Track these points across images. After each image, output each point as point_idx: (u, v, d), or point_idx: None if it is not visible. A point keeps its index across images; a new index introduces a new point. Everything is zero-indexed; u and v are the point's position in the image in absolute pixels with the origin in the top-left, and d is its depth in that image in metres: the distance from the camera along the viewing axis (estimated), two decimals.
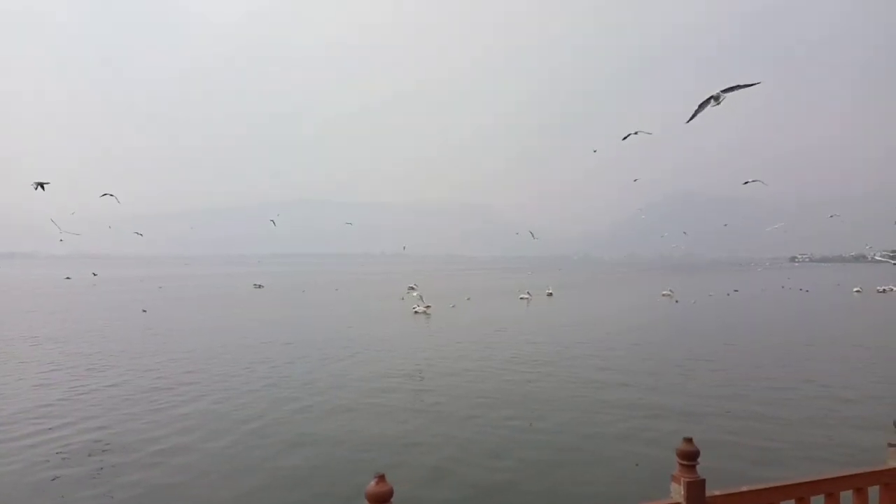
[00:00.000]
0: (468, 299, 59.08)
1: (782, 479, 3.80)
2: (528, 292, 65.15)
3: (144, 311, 46.89)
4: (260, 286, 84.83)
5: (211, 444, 12.96)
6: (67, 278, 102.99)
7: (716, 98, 9.17)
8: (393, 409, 15.84)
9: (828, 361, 23.47)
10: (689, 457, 3.50)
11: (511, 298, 61.99)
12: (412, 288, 76.99)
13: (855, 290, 76.13)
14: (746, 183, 37.26)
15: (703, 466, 3.72)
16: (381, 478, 3.26)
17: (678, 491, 3.33)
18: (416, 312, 45.29)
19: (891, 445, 4.07)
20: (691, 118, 9.24)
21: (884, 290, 75.20)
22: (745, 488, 3.67)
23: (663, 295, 63.87)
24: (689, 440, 3.55)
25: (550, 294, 67.86)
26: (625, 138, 26.72)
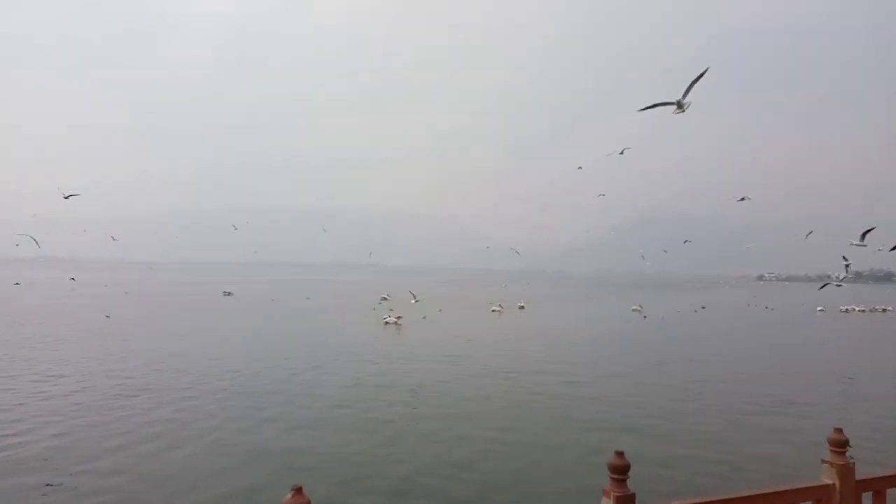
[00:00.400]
0: (440, 311, 58.85)
1: (714, 493, 3.73)
2: (500, 305, 65.12)
3: (108, 316, 45.80)
4: (229, 293, 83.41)
5: (167, 456, 12.64)
6: (17, 284, 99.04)
7: (679, 105, 8.77)
8: (356, 421, 15.63)
9: (779, 378, 23.95)
10: (620, 470, 3.40)
11: (483, 310, 61.95)
12: (385, 298, 76.75)
13: (818, 308, 77.75)
14: (742, 199, 37.94)
15: (643, 478, 3.70)
16: (298, 490, 3.16)
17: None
18: (386, 323, 44.96)
19: (824, 462, 4.04)
20: (644, 109, 8.91)
21: (846, 309, 77.00)
22: (675, 502, 3.58)
23: (633, 310, 64.46)
24: (620, 454, 3.48)
25: (522, 307, 67.95)
26: (608, 155, 27.53)
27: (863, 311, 76.81)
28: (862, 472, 4.06)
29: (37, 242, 48.48)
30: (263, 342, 32.41)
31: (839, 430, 4.01)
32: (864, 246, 23.98)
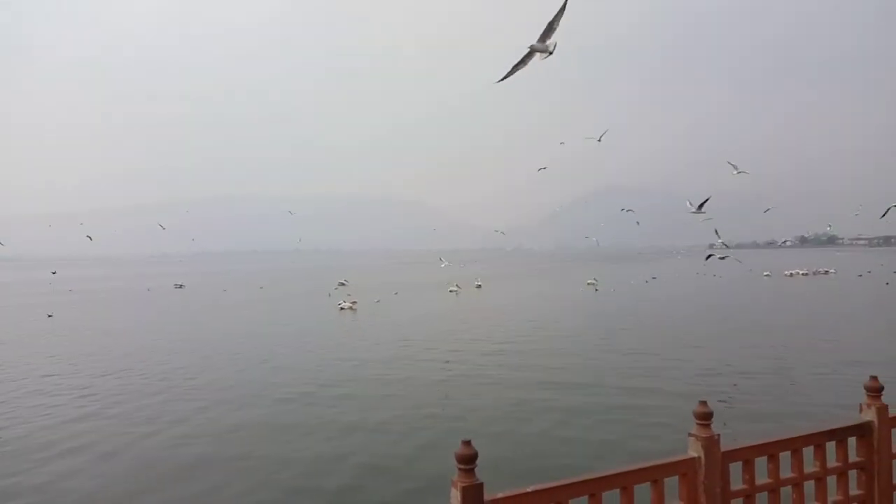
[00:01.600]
0: (395, 294, 58.75)
1: (580, 474, 3.68)
2: (457, 285, 65.23)
3: (50, 316, 44.24)
4: (181, 286, 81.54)
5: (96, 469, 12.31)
6: None
7: (544, 49, 7.41)
8: (300, 422, 15.01)
9: (710, 342, 24.80)
10: (466, 460, 3.29)
11: (440, 291, 62.13)
12: (343, 283, 76.15)
13: (765, 273, 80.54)
14: (739, 173, 38.74)
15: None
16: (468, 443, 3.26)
17: (456, 497, 3.15)
18: (341, 309, 44.69)
19: (690, 435, 4.08)
20: (505, 77, 7.69)
21: (790, 273, 79.94)
22: (530, 488, 3.49)
23: (588, 284, 65.50)
24: (467, 442, 3.34)
25: (479, 286, 68.29)
26: (590, 138, 28.14)
27: (806, 274, 79.83)
28: (728, 444, 4.14)
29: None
30: (207, 333, 31.83)
31: (703, 403, 4.04)
32: (703, 213, 24.97)
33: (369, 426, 14.08)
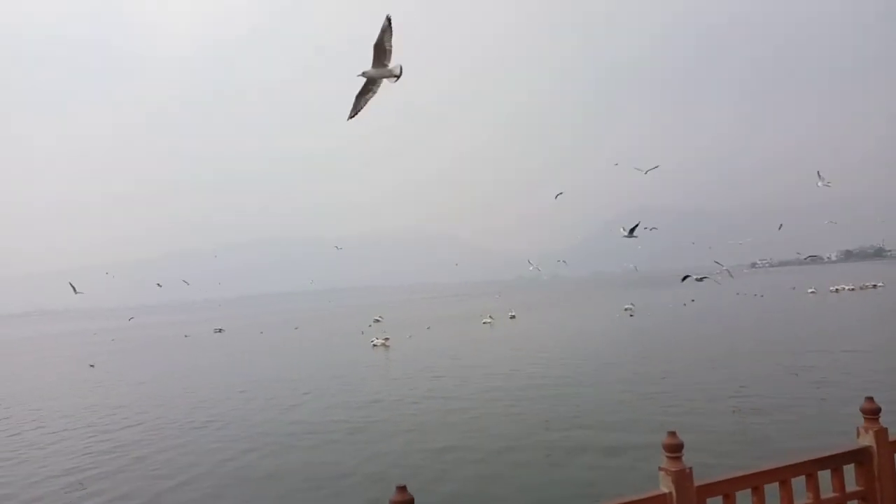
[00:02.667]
0: (428, 328, 58.62)
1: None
2: (490, 316, 64.90)
3: (92, 365, 45.32)
4: (220, 330, 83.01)
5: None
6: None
7: (384, 76, 6.54)
8: (331, 462, 15.00)
9: (747, 366, 23.88)
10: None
11: (474, 324, 61.74)
12: (377, 320, 76.56)
13: (810, 291, 78.06)
14: (647, 171, 37.97)
15: None
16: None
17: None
18: (374, 346, 44.70)
19: (660, 469, 3.92)
20: (352, 114, 6.78)
21: (836, 289, 77.31)
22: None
23: (625, 309, 64.57)
24: (673, 433, 3.81)
25: (513, 317, 67.81)
26: (616, 164, 28.18)
27: (853, 289, 77.12)
28: (703, 477, 3.97)
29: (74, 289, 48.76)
30: (247, 376, 32.04)
31: (673, 434, 3.89)
32: (635, 237, 24.16)
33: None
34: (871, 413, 4.43)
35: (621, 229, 26.66)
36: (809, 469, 4.26)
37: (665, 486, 3.79)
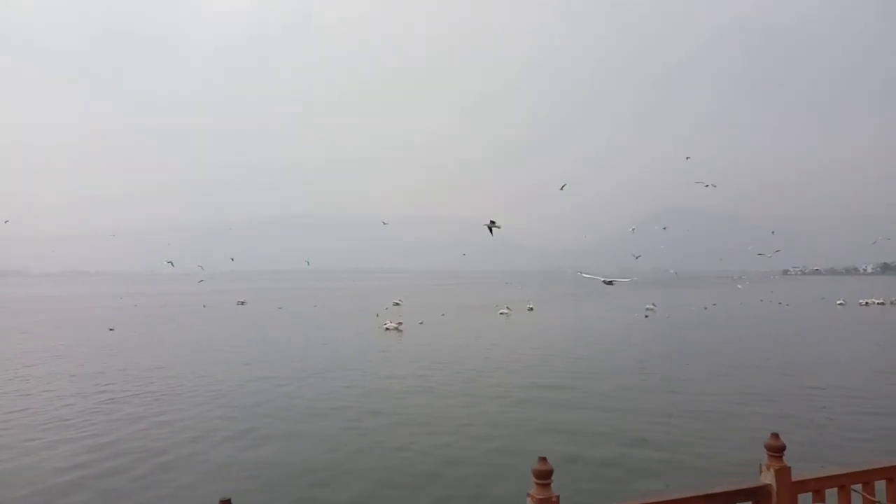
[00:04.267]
0: (442, 315, 58.57)
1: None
2: (507, 307, 64.67)
3: (111, 329, 46.34)
4: (243, 303, 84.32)
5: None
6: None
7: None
8: (327, 436, 15.33)
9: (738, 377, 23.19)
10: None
11: (490, 313, 61.58)
12: (397, 303, 76.89)
13: (838, 302, 76.23)
14: (707, 186, 37.71)
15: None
16: (543, 459, 3.43)
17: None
18: (386, 329, 44.80)
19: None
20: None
21: (865, 303, 75.36)
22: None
23: (647, 309, 63.80)
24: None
25: (531, 309, 67.47)
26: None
27: (882, 303, 75.01)
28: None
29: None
30: (258, 351, 32.44)
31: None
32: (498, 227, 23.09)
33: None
34: (775, 451, 4.22)
35: (585, 276, 26.76)
36: (711, 502, 4.07)
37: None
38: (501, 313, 61.02)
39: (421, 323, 49.66)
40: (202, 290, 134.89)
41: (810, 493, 4.32)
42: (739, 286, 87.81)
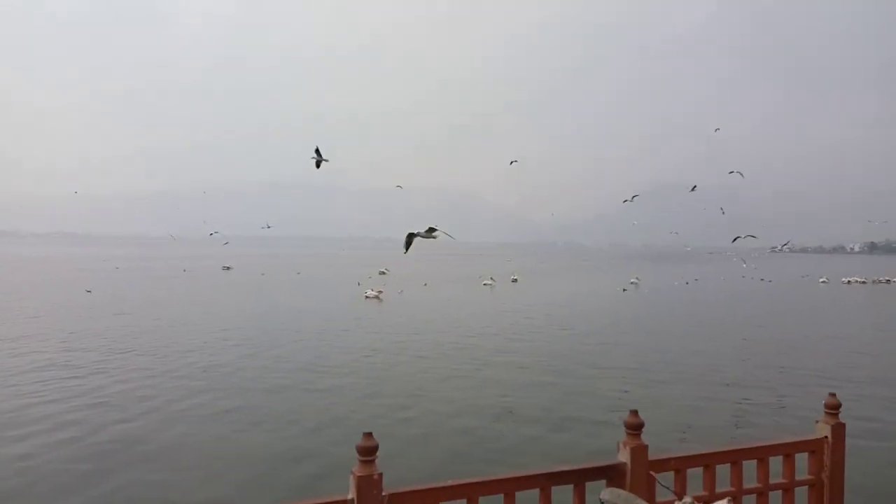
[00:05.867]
0: (425, 285, 58.51)
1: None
2: (491, 278, 64.80)
3: (89, 291, 45.97)
4: (228, 268, 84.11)
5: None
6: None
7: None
8: (286, 410, 14.85)
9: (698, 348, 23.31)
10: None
11: (474, 284, 61.67)
12: (383, 272, 76.90)
13: (821, 280, 76.80)
14: (731, 172, 38.33)
15: None
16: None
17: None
18: (367, 297, 44.75)
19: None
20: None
21: (848, 281, 75.95)
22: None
23: (630, 283, 64.10)
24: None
25: (515, 280, 67.66)
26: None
27: (864, 282, 75.66)
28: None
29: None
30: (232, 317, 32.24)
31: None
32: (434, 237, 22.71)
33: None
34: (633, 428, 4.06)
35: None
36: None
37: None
38: (485, 284, 61.15)
39: (401, 292, 49.58)
40: (190, 254, 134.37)
41: (672, 473, 4.17)
42: (745, 264, 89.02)
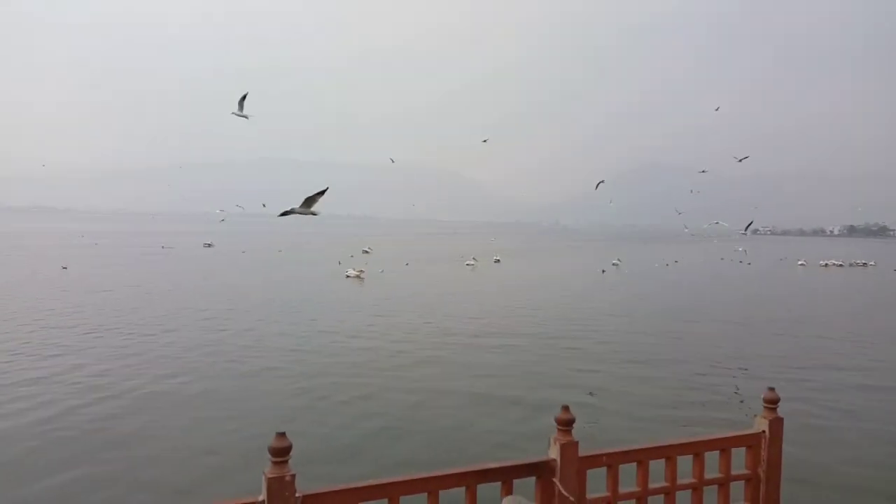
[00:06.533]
0: (406, 265, 58.42)
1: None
2: (473, 258, 64.77)
3: (64, 268, 45.32)
4: (210, 245, 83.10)
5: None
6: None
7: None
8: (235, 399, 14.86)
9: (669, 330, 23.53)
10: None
11: (455, 264, 61.58)
12: (366, 251, 76.56)
13: (799, 262, 77.78)
14: (741, 160, 38.21)
15: None
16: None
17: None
18: (347, 277, 44.60)
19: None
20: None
21: (826, 264, 76.95)
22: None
23: (613, 264, 64.53)
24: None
25: (498, 261, 67.73)
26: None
27: (840, 265, 76.70)
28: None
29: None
30: (208, 296, 31.93)
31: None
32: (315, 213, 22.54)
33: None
34: (564, 424, 4.03)
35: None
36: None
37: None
38: (468, 264, 61.12)
39: (381, 271, 49.48)
40: (172, 231, 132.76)
41: (604, 469, 4.19)
42: (740, 248, 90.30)
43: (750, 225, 47.45)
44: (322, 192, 8.17)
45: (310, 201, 8.12)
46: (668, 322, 26.74)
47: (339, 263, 54.60)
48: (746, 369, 17.85)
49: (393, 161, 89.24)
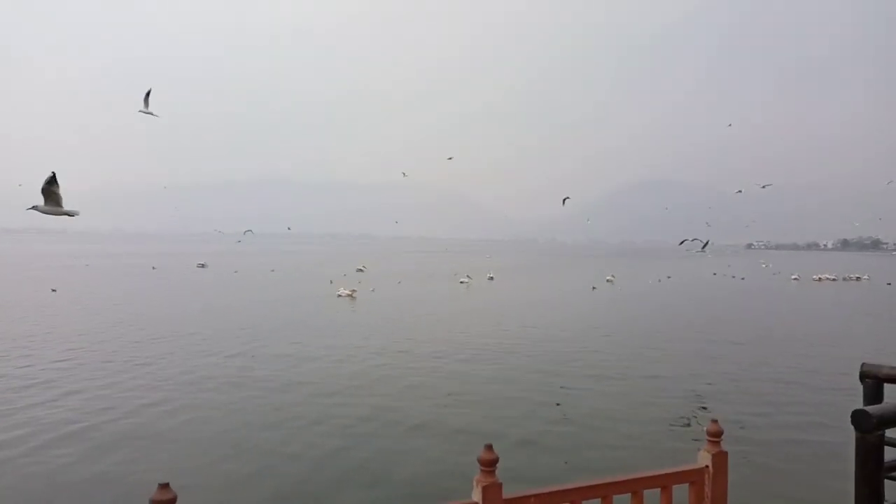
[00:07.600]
0: (399, 283, 58.31)
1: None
2: (467, 276, 64.90)
3: (54, 290, 45.04)
4: (203, 265, 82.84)
5: None
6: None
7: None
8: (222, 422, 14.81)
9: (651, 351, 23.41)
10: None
11: (449, 282, 61.61)
12: (361, 269, 76.48)
13: (793, 277, 78.01)
14: (764, 187, 38.26)
15: None
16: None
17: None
18: (339, 296, 44.40)
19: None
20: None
21: (819, 278, 77.14)
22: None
23: (607, 280, 64.60)
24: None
25: (491, 278, 67.74)
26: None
27: (834, 279, 76.88)
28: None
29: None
30: (196, 319, 31.69)
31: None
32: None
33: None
34: (487, 465, 3.90)
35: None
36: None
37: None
38: (461, 282, 61.15)
39: (373, 290, 49.31)
40: (167, 251, 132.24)
41: None
42: (763, 264, 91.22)
43: (707, 244, 47.64)
44: (52, 180, 7.12)
45: (49, 194, 7.14)
46: (652, 341, 26.59)
47: (331, 282, 54.42)
48: (718, 394, 17.17)
49: (405, 175, 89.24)
